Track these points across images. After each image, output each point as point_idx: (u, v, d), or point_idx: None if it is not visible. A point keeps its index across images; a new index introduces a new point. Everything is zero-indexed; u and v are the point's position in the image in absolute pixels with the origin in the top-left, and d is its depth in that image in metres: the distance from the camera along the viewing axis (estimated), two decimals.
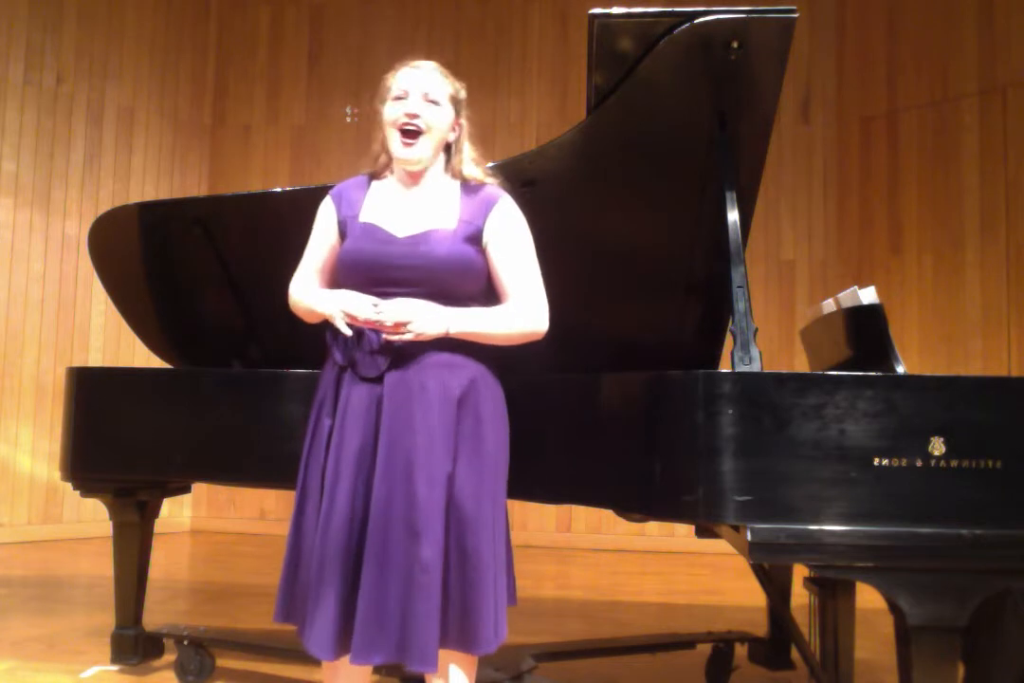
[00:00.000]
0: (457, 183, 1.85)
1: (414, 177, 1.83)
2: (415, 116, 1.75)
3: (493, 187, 1.86)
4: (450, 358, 1.75)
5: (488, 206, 1.82)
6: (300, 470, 1.79)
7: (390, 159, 1.85)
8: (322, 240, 1.88)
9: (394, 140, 1.78)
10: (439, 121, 1.78)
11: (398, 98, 1.77)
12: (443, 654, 1.69)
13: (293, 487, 1.82)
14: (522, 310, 1.81)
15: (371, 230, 1.79)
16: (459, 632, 1.67)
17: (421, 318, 1.69)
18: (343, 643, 1.66)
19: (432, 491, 1.67)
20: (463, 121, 1.85)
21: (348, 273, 1.78)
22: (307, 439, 1.79)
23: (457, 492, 1.70)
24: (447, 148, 1.85)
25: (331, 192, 1.90)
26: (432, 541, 1.65)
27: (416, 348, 1.72)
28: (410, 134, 1.77)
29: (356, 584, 1.66)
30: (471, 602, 1.67)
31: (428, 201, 1.83)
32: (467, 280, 1.78)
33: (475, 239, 1.79)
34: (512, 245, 1.82)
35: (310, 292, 1.85)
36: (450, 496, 1.69)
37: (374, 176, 1.89)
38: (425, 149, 1.78)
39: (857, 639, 2.37)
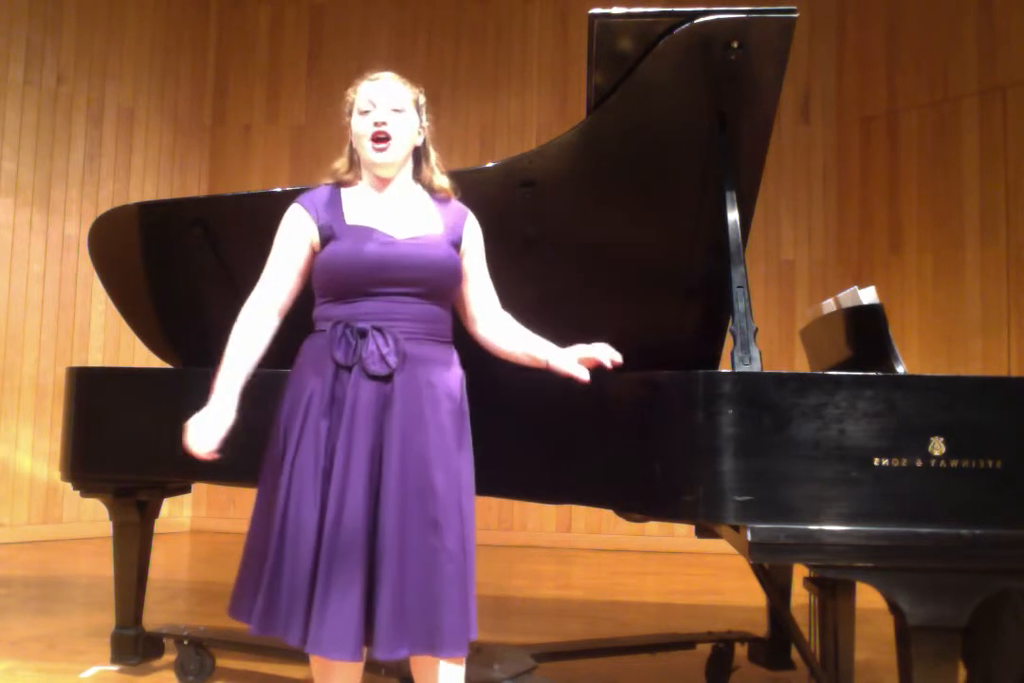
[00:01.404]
0: (426, 194, 1.91)
1: (385, 182, 1.87)
2: (383, 123, 1.81)
3: (456, 201, 1.94)
4: (446, 357, 1.82)
5: (462, 216, 1.92)
6: (283, 473, 1.72)
7: (359, 171, 1.89)
8: (296, 247, 1.84)
9: (366, 148, 1.82)
10: (406, 126, 1.84)
11: (365, 111, 1.82)
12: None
13: None
14: (513, 320, 1.92)
15: (368, 232, 1.80)
16: None
17: (598, 349, 1.79)
18: (362, 642, 1.66)
19: (449, 483, 1.72)
20: (426, 124, 1.90)
21: (349, 273, 1.77)
22: (292, 440, 1.74)
23: (462, 486, 1.75)
24: (415, 153, 1.90)
25: (299, 200, 1.88)
26: (455, 532, 1.69)
27: (419, 345, 1.77)
28: (380, 140, 1.81)
29: (372, 581, 1.66)
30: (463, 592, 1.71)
31: (410, 206, 1.87)
32: (454, 282, 1.85)
33: (456, 245, 1.87)
34: (482, 255, 1.94)
35: (232, 357, 1.82)
36: (457, 488, 1.74)
37: (341, 185, 1.90)
38: (397, 152, 1.83)
39: (857, 639, 2.37)
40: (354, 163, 1.89)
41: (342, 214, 1.84)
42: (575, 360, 1.78)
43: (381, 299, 1.76)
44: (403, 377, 1.74)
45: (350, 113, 1.86)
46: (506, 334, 1.89)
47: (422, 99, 1.89)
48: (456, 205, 1.93)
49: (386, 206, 1.85)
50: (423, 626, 1.64)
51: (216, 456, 1.72)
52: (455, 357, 1.85)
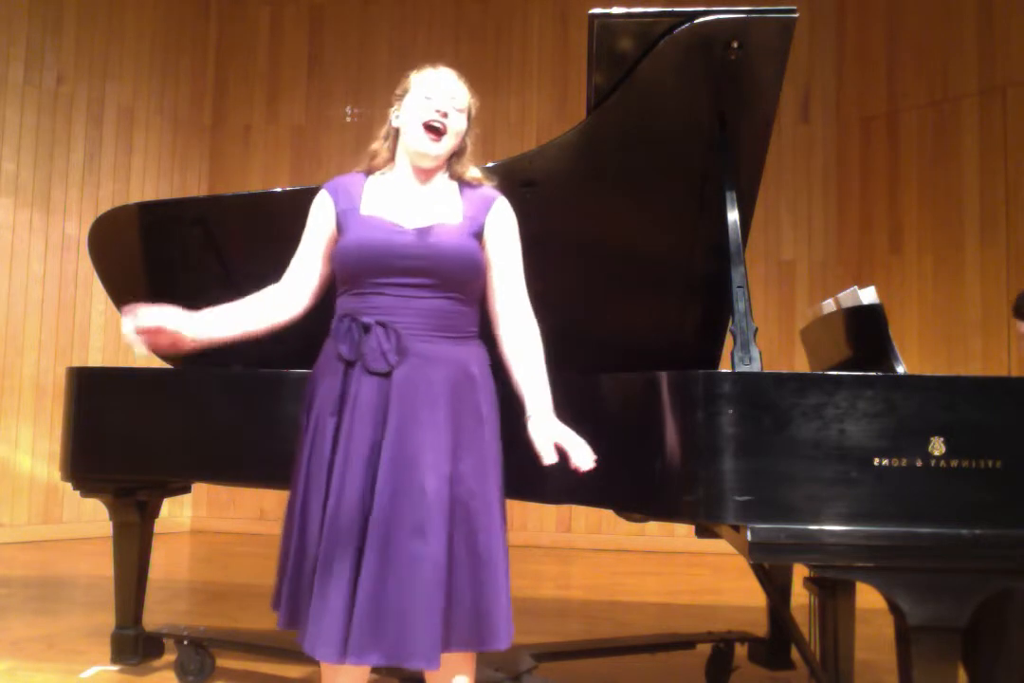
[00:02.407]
0: (455, 183, 1.88)
1: (423, 174, 1.84)
2: (445, 115, 1.79)
3: (489, 187, 1.89)
4: (455, 353, 1.77)
5: (488, 203, 1.85)
6: (300, 471, 1.75)
7: (391, 155, 1.87)
8: (319, 232, 1.86)
9: (418, 135, 1.79)
10: (460, 126, 1.83)
11: (428, 98, 1.80)
12: (445, 654, 1.66)
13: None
14: (533, 333, 1.82)
15: (377, 221, 1.79)
16: (473, 631, 1.66)
17: (578, 444, 1.69)
18: (348, 643, 1.62)
19: (439, 488, 1.67)
20: (469, 136, 1.87)
21: (354, 263, 1.77)
22: (307, 438, 1.76)
23: (463, 490, 1.69)
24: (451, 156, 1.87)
25: (326, 185, 1.89)
26: (438, 538, 1.64)
27: (424, 342, 1.74)
28: (435, 131, 1.79)
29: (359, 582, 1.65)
30: (486, 600, 1.67)
31: (431, 196, 1.85)
32: (471, 274, 1.79)
33: (477, 235, 1.82)
34: (509, 246, 1.85)
35: (230, 305, 1.83)
36: (454, 494, 1.68)
37: (370, 172, 1.89)
38: (446, 147, 1.81)
39: (857, 639, 2.37)
40: (392, 146, 1.87)
41: (359, 203, 1.83)
42: (549, 441, 1.68)
43: (390, 292, 1.74)
44: (402, 374, 1.72)
45: (401, 97, 1.84)
46: (513, 356, 1.81)
47: (475, 110, 1.87)
48: (485, 191, 1.87)
49: (405, 195, 1.83)
50: (395, 634, 1.60)
51: (141, 340, 1.71)
52: (473, 354, 1.79)
